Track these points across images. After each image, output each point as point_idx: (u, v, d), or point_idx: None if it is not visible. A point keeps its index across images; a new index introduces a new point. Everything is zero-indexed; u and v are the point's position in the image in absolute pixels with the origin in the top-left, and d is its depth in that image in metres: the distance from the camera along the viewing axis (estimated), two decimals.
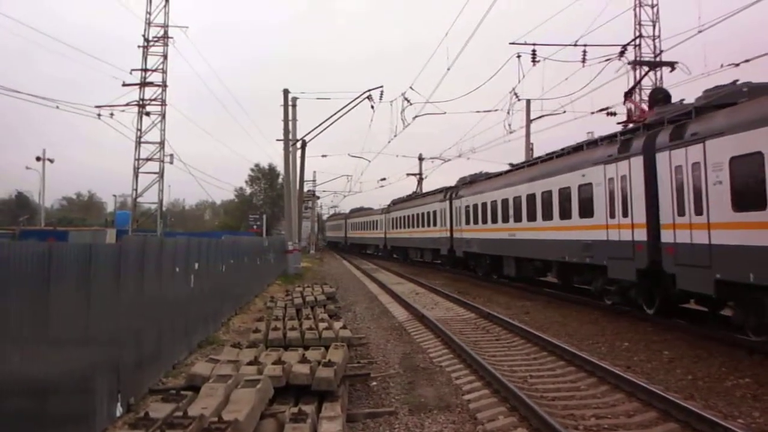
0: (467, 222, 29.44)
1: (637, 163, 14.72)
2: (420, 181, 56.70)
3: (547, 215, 20.03)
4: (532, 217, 21.29)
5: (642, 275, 14.71)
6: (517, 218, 22.66)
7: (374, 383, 10.07)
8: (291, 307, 17.16)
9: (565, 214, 18.76)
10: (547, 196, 20.13)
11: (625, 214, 15.32)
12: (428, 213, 37.63)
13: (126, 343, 8.32)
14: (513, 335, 14.31)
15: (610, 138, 16.98)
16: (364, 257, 61.20)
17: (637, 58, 32.79)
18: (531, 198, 21.47)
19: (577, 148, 19.16)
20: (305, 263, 42.77)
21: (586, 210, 17.34)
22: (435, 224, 35.83)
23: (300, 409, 6.88)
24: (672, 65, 20.59)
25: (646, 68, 17.85)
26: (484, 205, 26.97)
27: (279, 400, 7.58)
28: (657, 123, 14.88)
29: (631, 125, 17.83)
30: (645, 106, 25.14)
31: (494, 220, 25.45)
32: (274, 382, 7.57)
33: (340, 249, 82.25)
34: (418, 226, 40.51)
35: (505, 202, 24.11)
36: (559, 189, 19.15)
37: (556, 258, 20.00)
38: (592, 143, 18.05)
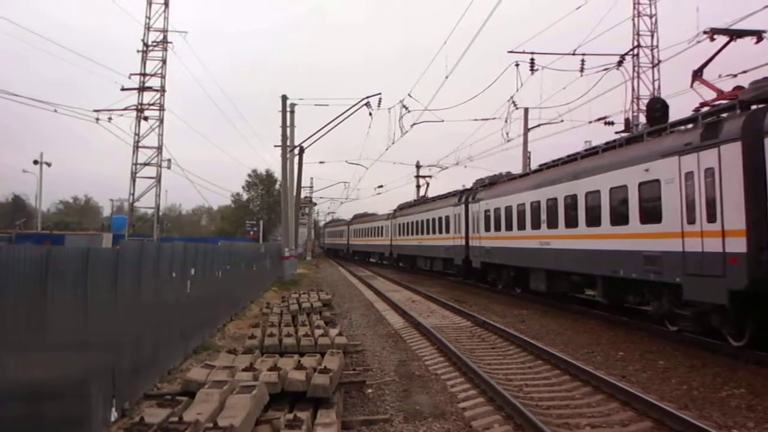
0: (487, 228, 26.42)
1: (732, 151, 11.69)
2: (427, 185, 51.51)
3: (593, 220, 16.94)
4: (572, 222, 18.32)
5: (736, 297, 11.56)
6: (552, 224, 19.67)
7: (370, 390, 10.06)
8: (287, 314, 17.16)
9: (619, 218, 15.60)
10: (593, 197, 17.00)
11: (711, 219, 12.16)
12: (440, 219, 34.61)
13: (122, 348, 8.30)
14: (509, 343, 14.31)
15: (685, 122, 14.10)
16: (361, 264, 61.00)
17: (635, 67, 32.96)
18: (571, 200, 18.43)
19: (634, 139, 16.22)
20: (301, 270, 42.77)
21: (651, 214, 14.22)
22: (448, 231, 32.87)
23: (295, 415, 6.89)
24: (758, 34, 15.42)
25: (725, 38, 13.42)
26: (508, 209, 23.77)
27: (274, 406, 7.59)
28: (759, 99, 12.05)
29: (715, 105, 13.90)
30: (643, 117, 25.26)
31: (521, 227, 22.32)
32: (269, 389, 7.58)
33: (341, 257, 78.32)
34: (428, 233, 37.33)
35: (535, 205, 21.05)
36: (611, 189, 16.02)
37: (603, 272, 16.57)
38: (656, 131, 15.03)
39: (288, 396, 8.02)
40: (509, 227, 23.57)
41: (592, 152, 18.32)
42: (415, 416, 8.68)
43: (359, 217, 68.83)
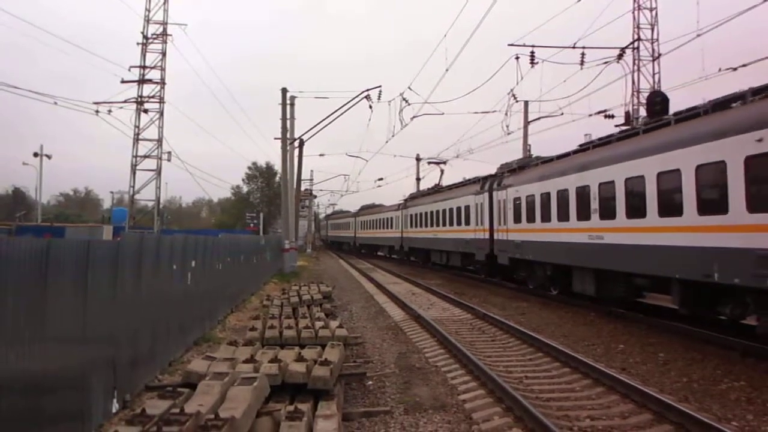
0: (516, 219, 22.62)
1: None
2: (441, 172, 43.85)
3: (670, 209, 13.46)
4: (636, 212, 14.74)
5: None
6: (607, 214, 16.13)
7: (370, 382, 10.09)
8: (287, 306, 17.18)
9: (711, 206, 12.10)
10: (669, 179, 13.49)
11: None
12: (458, 209, 30.80)
13: (122, 340, 8.32)
14: (509, 336, 14.34)
15: None
16: (362, 257, 60.90)
17: (635, 61, 32.89)
18: (635, 184, 14.85)
19: (736, 98, 12.40)
20: (302, 262, 42.82)
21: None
22: (468, 222, 29.11)
23: (296, 407, 6.90)
24: None
25: None
26: (545, 197, 20.21)
27: (275, 398, 7.61)
28: None
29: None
30: (643, 110, 25.25)
31: (562, 217, 18.81)
32: (270, 381, 7.59)
33: (347, 251, 73.75)
34: (444, 225, 33.38)
35: (583, 191, 17.45)
36: (697, 167, 12.50)
37: (684, 274, 13.04)
38: None
39: (289, 388, 8.04)
40: (546, 218, 20.02)
41: (660, 123, 14.93)
42: (416, 408, 8.70)
43: (367, 208, 64.94)
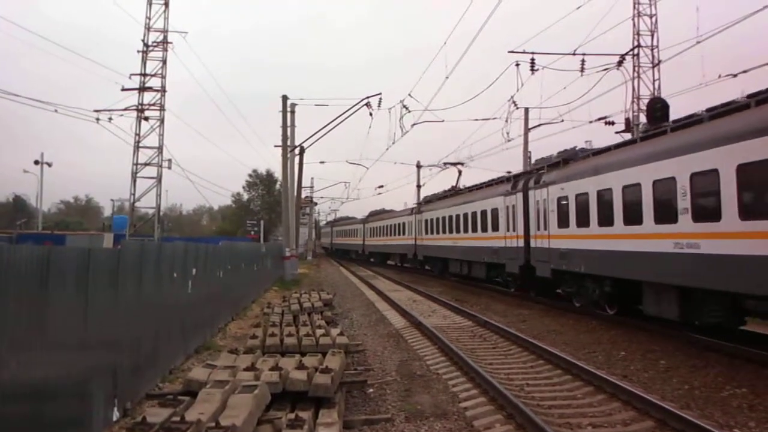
0: (562, 223, 19.00)
1: None
2: (459, 173, 39.38)
3: None
4: (754, 211, 11.02)
5: None
6: (705, 214, 12.27)
7: (371, 390, 10.06)
8: (288, 314, 17.18)
9: None
10: None
11: None
12: (483, 212, 26.90)
13: (123, 348, 8.30)
14: (510, 343, 14.31)
15: None
16: (363, 264, 60.83)
17: (635, 67, 32.95)
18: (752, 174, 11.04)
19: None
20: (302, 269, 42.78)
21: None
22: (496, 228, 25.17)
23: (297, 415, 6.90)
24: None
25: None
26: (604, 194, 16.23)
27: (276, 406, 7.59)
28: None
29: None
30: (643, 117, 25.28)
31: (632, 219, 14.78)
32: (271, 388, 7.58)
33: (354, 259, 69.36)
34: (465, 231, 29.56)
35: (664, 185, 13.64)
36: None
37: None
38: None
39: (289, 396, 8.02)
40: (606, 221, 16.18)
41: None
42: (417, 416, 8.68)
43: (376, 214, 60.30)
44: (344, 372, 9.68)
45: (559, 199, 19.16)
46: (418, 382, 10.77)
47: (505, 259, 24.12)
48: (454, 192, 34.66)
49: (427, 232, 37.65)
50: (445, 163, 41.32)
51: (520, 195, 22.61)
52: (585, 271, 17.49)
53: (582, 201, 17.56)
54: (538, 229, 20.84)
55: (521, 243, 22.32)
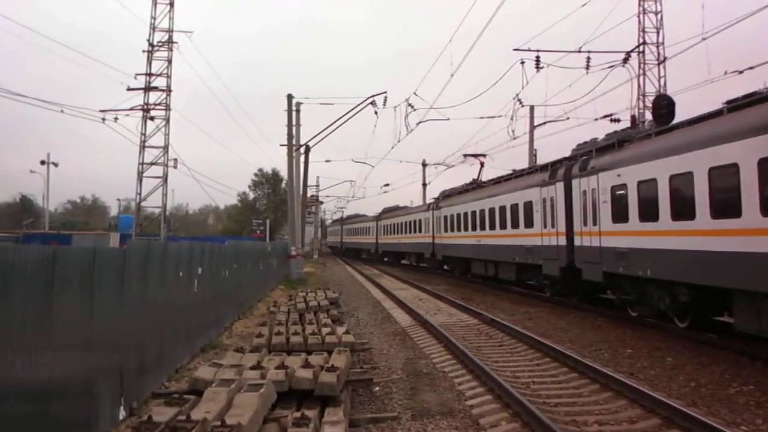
0: (618, 217, 15.79)
1: None
2: (481, 165, 35.70)
3: None
4: None
5: None
6: None
7: (377, 388, 10.07)
8: (294, 312, 17.20)
9: None
10: None
11: None
12: (514, 206, 23.60)
13: (129, 347, 8.33)
14: (516, 341, 14.29)
15: None
16: (368, 263, 60.79)
17: (641, 64, 32.83)
18: None
19: None
20: (308, 268, 42.82)
21: None
22: (530, 224, 22.06)
23: (302, 413, 6.90)
24: None
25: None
26: (677, 181, 13.31)
27: (282, 404, 7.59)
28: None
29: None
30: (649, 114, 25.20)
31: (722, 211, 11.84)
32: (276, 387, 7.59)
33: (365, 259, 66.37)
34: (491, 228, 26.36)
35: None
36: None
37: None
38: None
39: (295, 394, 8.03)
40: (684, 214, 12.98)
41: None
42: (423, 414, 8.68)
43: (390, 211, 56.90)
44: (350, 370, 9.69)
45: (614, 188, 16.08)
46: (424, 380, 10.77)
47: (541, 260, 21.04)
48: (477, 185, 31.53)
49: (446, 230, 34.68)
50: (465, 155, 38.43)
51: (560, 185, 19.58)
52: (651, 275, 14.24)
53: (648, 189, 14.40)
54: (585, 224, 17.87)
55: (562, 241, 19.43)
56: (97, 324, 7.15)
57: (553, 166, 20.81)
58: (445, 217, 34.51)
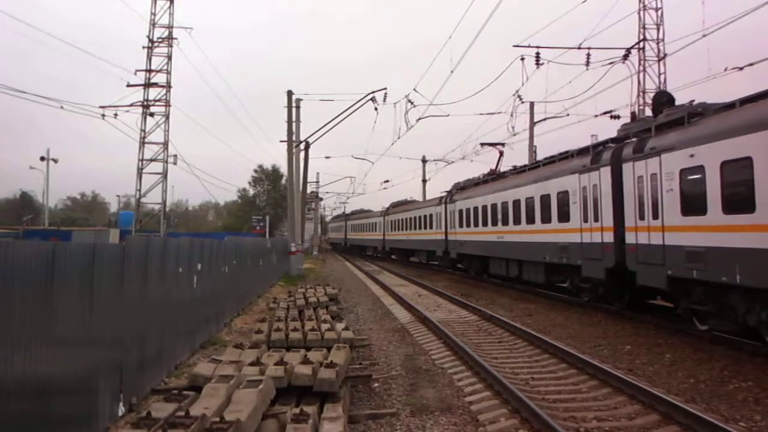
0: (692, 209, 12.73)
1: None
2: (500, 154, 32.13)
3: None
4: None
5: None
6: None
7: (376, 384, 10.08)
8: (293, 308, 17.19)
9: None
10: None
11: None
12: (544, 197, 20.44)
13: (129, 344, 8.34)
14: (515, 337, 14.30)
15: None
16: (368, 259, 60.75)
17: (641, 61, 32.80)
18: None
19: None
20: (308, 264, 42.86)
21: None
22: (564, 218, 19.01)
23: (302, 409, 6.90)
24: None
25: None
26: None
27: (281, 400, 7.60)
28: None
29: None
30: (649, 111, 25.17)
31: None
32: (276, 383, 7.59)
33: (374, 257, 61.22)
34: (514, 223, 23.18)
35: None
36: None
37: None
38: None
39: (294, 390, 8.04)
40: None
41: None
42: (422, 410, 8.69)
43: (398, 206, 53.21)
44: (349, 366, 9.70)
45: (684, 173, 13.01)
46: (423, 376, 10.78)
47: (581, 260, 17.87)
48: (496, 175, 28.18)
49: (461, 225, 31.08)
50: (482, 144, 36.06)
51: (606, 170, 16.41)
52: (741, 282, 11.24)
53: (737, 172, 11.36)
54: (642, 217, 14.76)
55: (609, 237, 16.33)
56: (96, 320, 7.16)
57: (595, 148, 17.80)
58: (460, 211, 31.15)
